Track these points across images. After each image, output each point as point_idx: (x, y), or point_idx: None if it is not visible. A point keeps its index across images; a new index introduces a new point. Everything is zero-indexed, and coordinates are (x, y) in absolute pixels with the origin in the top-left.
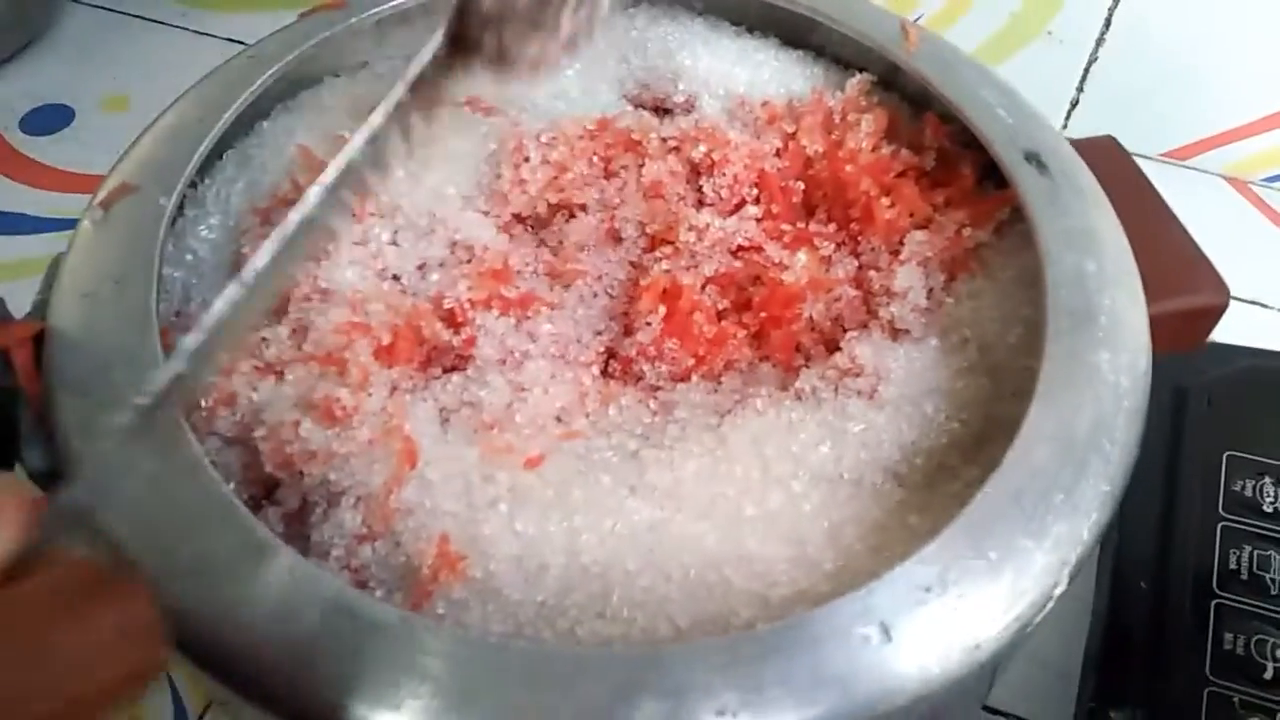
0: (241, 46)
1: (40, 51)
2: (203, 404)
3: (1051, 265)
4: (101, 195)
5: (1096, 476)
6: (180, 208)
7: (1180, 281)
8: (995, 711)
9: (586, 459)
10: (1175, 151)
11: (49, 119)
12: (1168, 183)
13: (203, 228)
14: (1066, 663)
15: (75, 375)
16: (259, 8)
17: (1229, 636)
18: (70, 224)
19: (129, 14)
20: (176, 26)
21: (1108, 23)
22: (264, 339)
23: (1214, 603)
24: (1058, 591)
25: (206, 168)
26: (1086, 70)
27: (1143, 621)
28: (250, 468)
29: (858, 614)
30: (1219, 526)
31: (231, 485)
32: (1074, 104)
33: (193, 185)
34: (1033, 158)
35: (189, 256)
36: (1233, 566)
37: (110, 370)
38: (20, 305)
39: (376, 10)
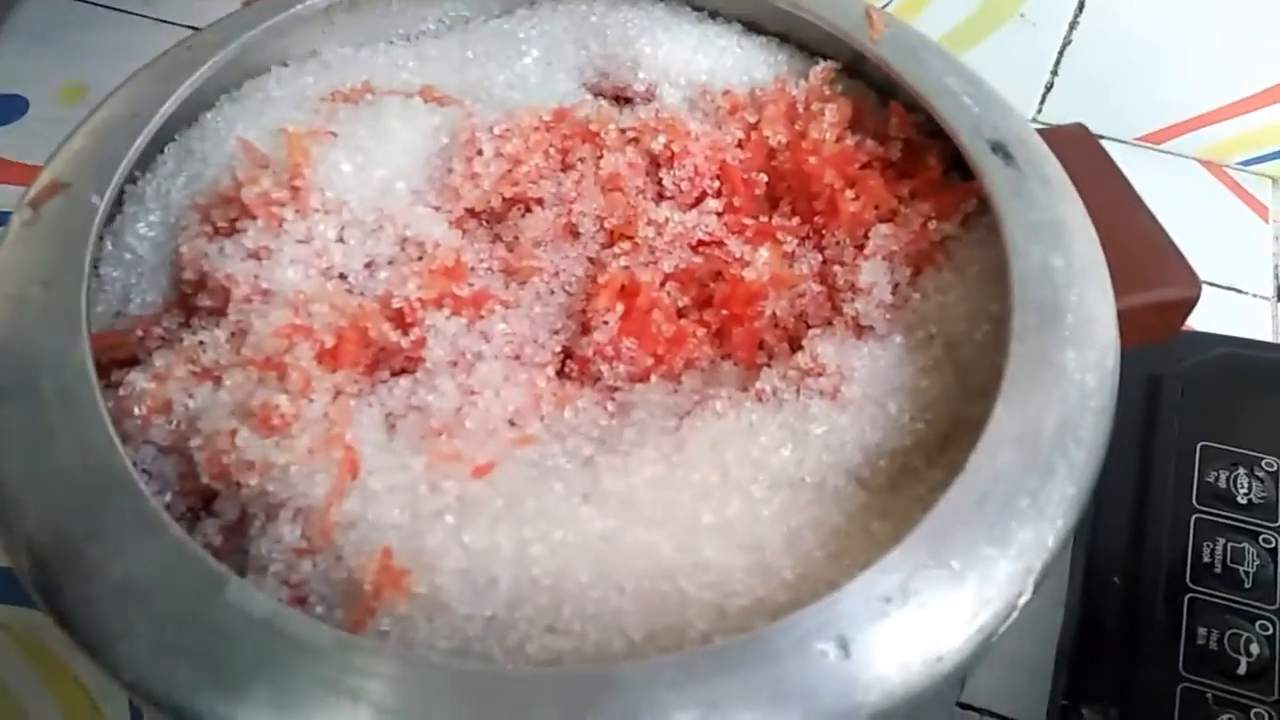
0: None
1: None
2: (136, 411)
3: (1017, 259)
4: (31, 194)
5: (1062, 480)
6: (119, 203)
7: (1150, 274)
8: (968, 708)
9: (539, 465)
10: (1150, 135)
11: (3, 109)
12: (1142, 167)
13: (142, 225)
14: (1039, 659)
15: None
16: None
17: (1203, 631)
18: None
19: (89, 1)
20: (136, 14)
21: (1081, 5)
22: (201, 342)
23: (1188, 597)
24: (1022, 600)
25: (146, 161)
26: (1060, 53)
27: (1116, 616)
28: (186, 478)
29: (816, 627)
30: (1193, 519)
31: (167, 496)
32: (1048, 87)
33: (132, 180)
34: (999, 148)
35: (128, 255)
36: (1206, 560)
37: (36, 377)
38: None
39: None
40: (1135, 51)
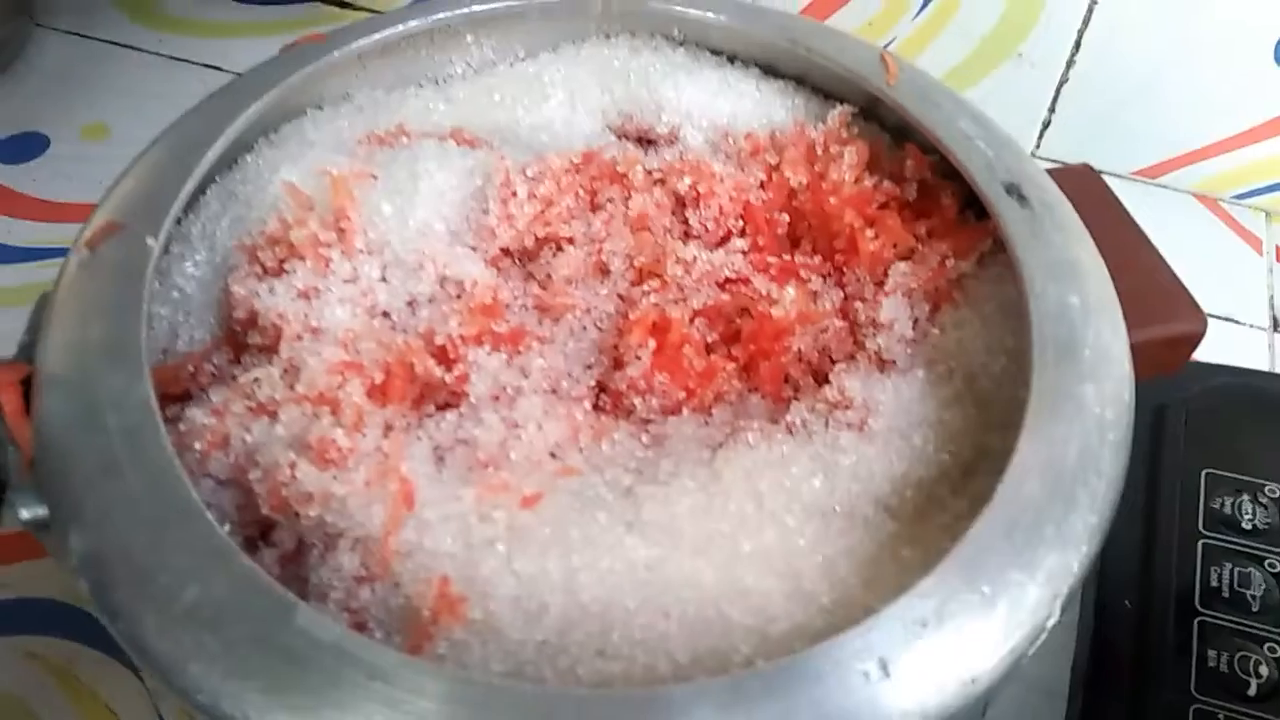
0: (219, 72)
1: (12, 78)
2: (196, 445)
3: (1035, 298)
4: (87, 234)
5: (1084, 509)
6: (165, 244)
7: (1158, 310)
8: None
9: (581, 495)
10: (1146, 170)
11: (23, 147)
12: (1139, 201)
13: (189, 264)
14: (1056, 680)
15: (65, 420)
16: (235, 34)
17: (1213, 654)
18: (46, 254)
19: (103, 40)
20: (151, 52)
21: (1077, 44)
22: (256, 379)
23: (1197, 620)
24: (1050, 623)
25: (191, 203)
26: (1058, 91)
27: (1128, 640)
28: (244, 509)
29: (857, 650)
30: (1200, 544)
31: (226, 527)
32: (1046, 125)
33: (177, 222)
34: (1013, 190)
35: (175, 294)
36: (1214, 584)
37: (101, 413)
38: (3, 336)
39: (358, 43)
40: (1131, 89)
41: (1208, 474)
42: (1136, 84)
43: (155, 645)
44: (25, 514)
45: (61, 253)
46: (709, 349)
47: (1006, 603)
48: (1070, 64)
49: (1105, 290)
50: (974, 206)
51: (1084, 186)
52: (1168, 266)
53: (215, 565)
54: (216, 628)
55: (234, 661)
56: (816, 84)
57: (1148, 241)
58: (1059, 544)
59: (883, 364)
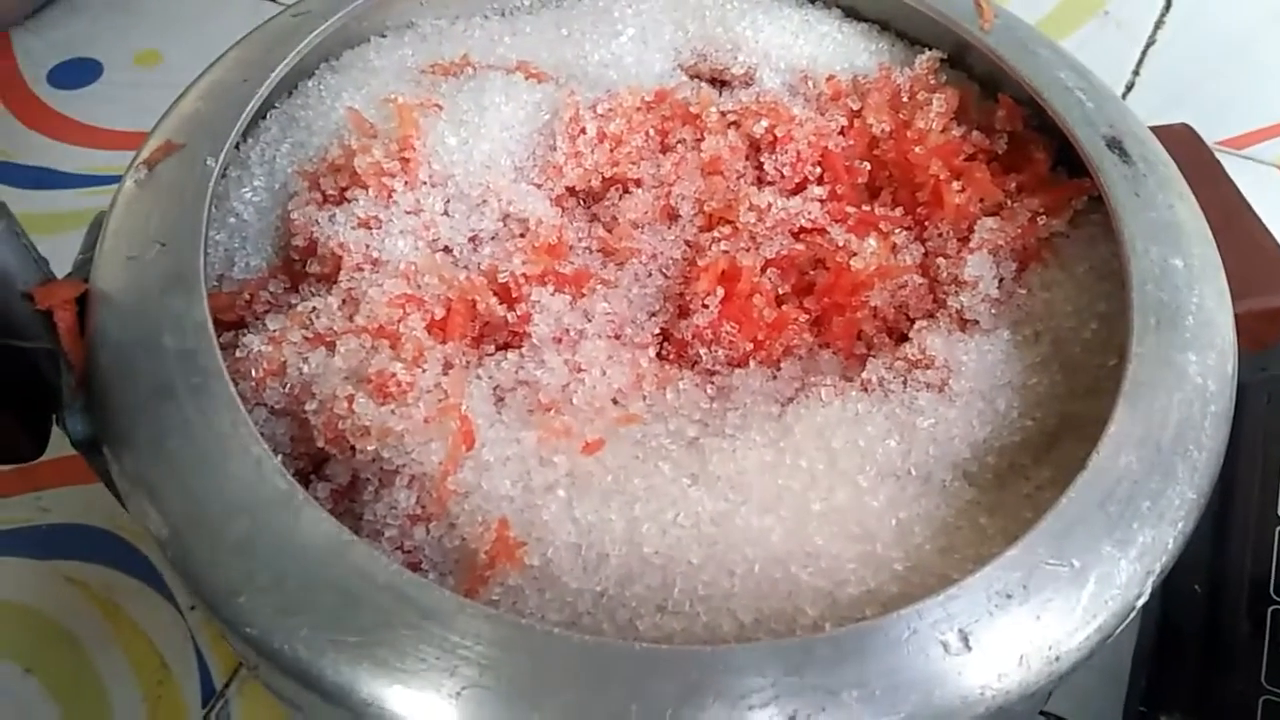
0: (273, 3)
1: (65, 4)
2: (253, 373)
3: (1136, 260)
4: (146, 153)
5: (1183, 484)
6: (223, 169)
7: (1260, 280)
8: (1043, 713)
9: (644, 445)
10: (1232, 140)
11: (76, 73)
12: None
13: (246, 189)
14: (1115, 664)
15: (119, 340)
16: None
17: None
18: (99, 180)
19: None
20: None
21: (1168, 4)
22: (314, 309)
23: (1271, 609)
24: (1140, 602)
25: (250, 128)
26: (1144, 53)
27: (1196, 625)
28: (298, 441)
29: (937, 620)
30: (1277, 530)
31: (279, 458)
32: (1129, 87)
33: (235, 146)
34: (1115, 145)
35: (232, 219)
36: None
37: (157, 334)
38: (54, 263)
39: None
40: (1221, 54)
41: None
42: (1228, 49)
43: (205, 575)
44: (77, 434)
45: (114, 180)
46: (780, 300)
47: (1097, 578)
48: (1159, 24)
49: (1210, 254)
50: (1066, 163)
51: (1184, 147)
52: (1270, 236)
53: (269, 497)
54: (268, 561)
55: (285, 596)
56: (902, 28)
57: (1249, 209)
58: (1155, 519)
59: (964, 324)
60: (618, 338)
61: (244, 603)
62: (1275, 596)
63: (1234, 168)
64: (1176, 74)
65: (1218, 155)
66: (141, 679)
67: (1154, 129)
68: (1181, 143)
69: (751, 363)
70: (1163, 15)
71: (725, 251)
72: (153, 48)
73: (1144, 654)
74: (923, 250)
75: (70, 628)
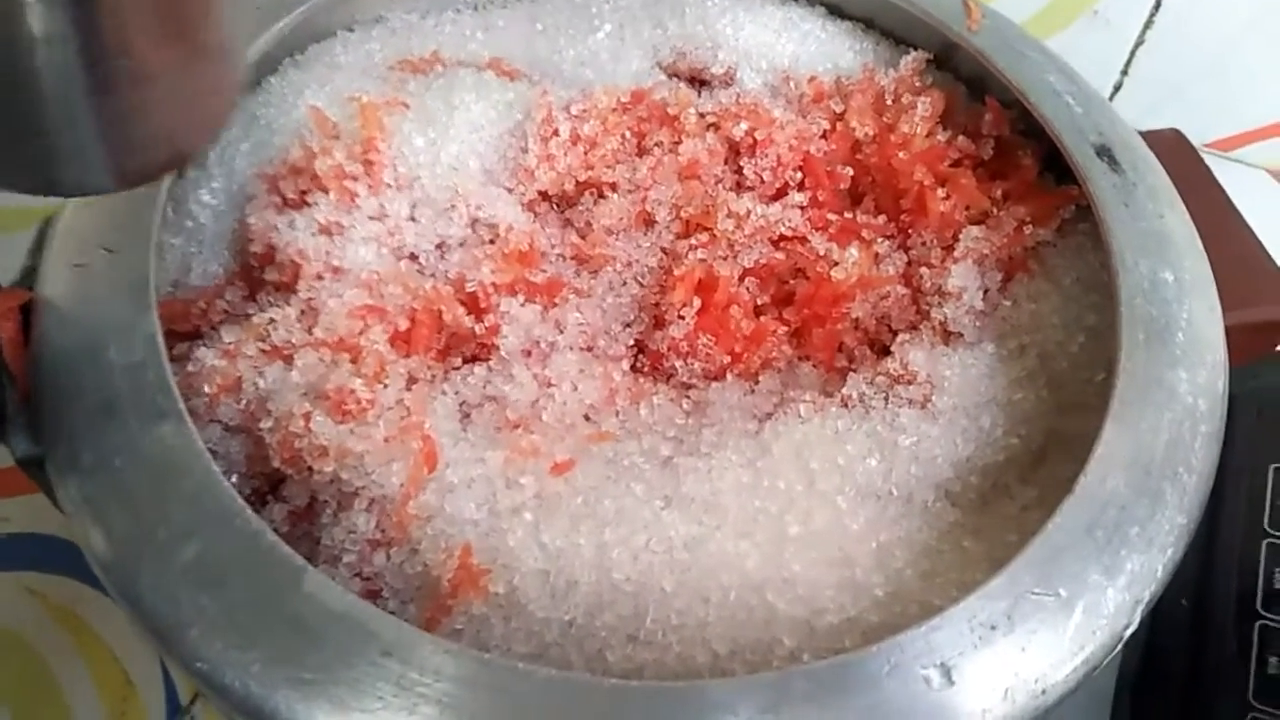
0: None
1: None
2: (205, 388)
3: (1125, 273)
4: None
5: (1173, 508)
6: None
7: (1250, 291)
8: None
9: (616, 464)
10: (1220, 142)
11: None
12: None
13: (204, 192)
14: (1100, 682)
15: (65, 351)
16: None
17: (1274, 660)
18: None
19: None
20: None
21: (1157, 4)
22: (272, 320)
23: (1258, 624)
24: (1128, 632)
25: None
26: (1132, 53)
27: (1182, 642)
28: (253, 460)
29: (918, 652)
30: (1264, 544)
31: (233, 478)
32: (1116, 88)
33: None
34: (1104, 153)
35: (189, 223)
36: (1278, 586)
37: (104, 347)
38: (7, 264)
39: None
40: (1211, 55)
41: (1276, 469)
42: (1218, 50)
43: (151, 604)
44: (19, 451)
45: None
46: (758, 311)
47: (1084, 607)
48: (1148, 24)
49: (1200, 267)
50: (1054, 169)
51: (1173, 154)
52: (1261, 246)
53: (219, 520)
54: (218, 589)
55: (236, 628)
56: (887, 27)
57: (1239, 217)
58: (1144, 545)
59: (948, 336)
60: (590, 350)
61: (194, 635)
62: (1262, 612)
63: (1222, 171)
64: (1165, 75)
65: (1206, 158)
66: (105, 695)
67: (1143, 134)
68: (1170, 149)
69: (729, 376)
70: (1152, 15)
71: (702, 260)
72: None
73: (1130, 672)
74: (906, 260)
75: (31, 642)
